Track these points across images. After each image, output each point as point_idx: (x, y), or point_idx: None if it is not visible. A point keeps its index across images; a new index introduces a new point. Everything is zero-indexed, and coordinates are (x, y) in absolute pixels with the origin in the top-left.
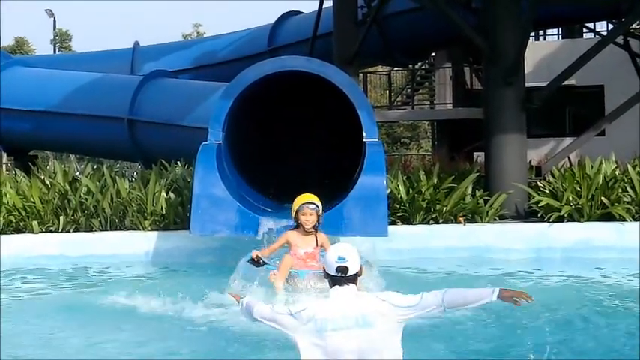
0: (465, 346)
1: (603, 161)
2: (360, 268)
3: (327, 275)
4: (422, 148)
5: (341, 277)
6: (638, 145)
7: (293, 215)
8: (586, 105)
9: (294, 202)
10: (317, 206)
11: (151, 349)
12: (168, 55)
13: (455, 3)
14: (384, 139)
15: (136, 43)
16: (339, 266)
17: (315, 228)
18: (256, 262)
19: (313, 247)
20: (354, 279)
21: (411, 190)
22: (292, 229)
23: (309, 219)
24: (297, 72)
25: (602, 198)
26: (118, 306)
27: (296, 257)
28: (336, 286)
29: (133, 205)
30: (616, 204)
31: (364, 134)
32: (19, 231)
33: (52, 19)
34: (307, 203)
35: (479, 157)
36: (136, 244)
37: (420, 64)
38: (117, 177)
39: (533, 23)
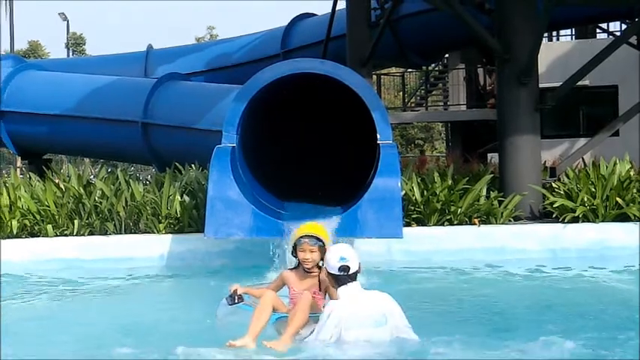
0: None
1: (618, 161)
2: (359, 266)
3: (330, 275)
4: (436, 149)
5: (345, 275)
6: None
7: (290, 250)
8: (600, 105)
9: (293, 233)
10: (320, 240)
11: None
12: (182, 57)
13: (468, 4)
14: (398, 141)
15: (150, 46)
16: (341, 266)
17: (320, 266)
18: (232, 298)
19: (312, 292)
20: (355, 276)
21: (425, 192)
22: (292, 268)
23: (308, 257)
24: (311, 74)
25: (617, 198)
26: (137, 309)
27: (293, 303)
28: (343, 287)
29: (148, 208)
30: (631, 204)
31: (378, 136)
32: (33, 235)
33: (66, 22)
34: (307, 237)
35: (493, 157)
36: (151, 248)
37: (433, 65)
38: (131, 180)
39: (547, 24)
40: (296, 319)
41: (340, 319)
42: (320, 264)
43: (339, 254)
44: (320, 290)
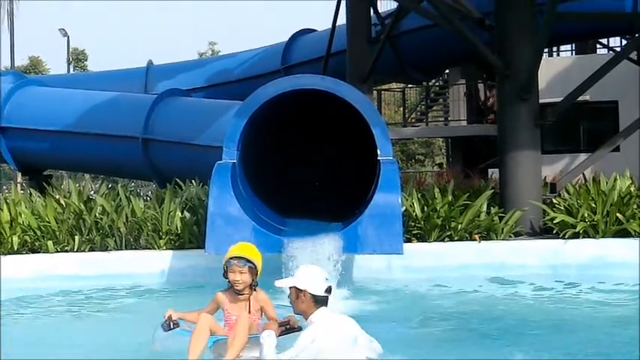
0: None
1: (618, 177)
2: None
3: (312, 297)
4: (436, 164)
5: (327, 297)
6: None
7: (223, 272)
8: (600, 121)
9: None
10: (249, 262)
11: None
12: (182, 73)
13: (468, 20)
14: (398, 156)
15: (150, 62)
16: (328, 287)
17: (253, 287)
18: (167, 324)
19: (251, 313)
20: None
21: (425, 208)
22: (224, 290)
23: (238, 278)
24: (312, 90)
25: (618, 214)
26: (138, 326)
27: (229, 325)
28: (322, 308)
29: (148, 224)
30: (631, 220)
31: (378, 152)
32: (34, 251)
33: (66, 38)
34: (236, 258)
35: (493, 173)
36: (152, 264)
37: (433, 81)
38: (132, 196)
39: (547, 40)
40: (237, 342)
41: (321, 342)
42: (253, 285)
43: (322, 275)
44: (250, 312)
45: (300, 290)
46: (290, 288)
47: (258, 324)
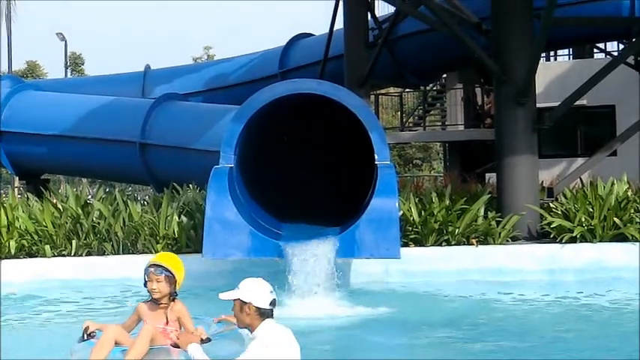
0: None
1: (615, 182)
2: None
3: (256, 309)
4: (434, 169)
5: (271, 310)
6: None
7: (144, 281)
8: (597, 125)
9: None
10: (166, 270)
11: None
12: (180, 78)
13: (466, 25)
14: (395, 160)
15: (147, 67)
16: (273, 299)
17: (172, 298)
18: (83, 335)
19: (163, 324)
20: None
21: (423, 212)
22: (146, 300)
23: (155, 287)
24: (309, 94)
25: (615, 218)
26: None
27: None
28: (268, 320)
29: (145, 228)
30: (628, 224)
31: (376, 156)
32: (31, 255)
33: (64, 42)
34: (153, 266)
35: (491, 178)
36: None
37: (431, 85)
38: (129, 200)
39: (544, 45)
40: (133, 351)
41: (275, 350)
42: (172, 295)
43: (268, 288)
44: (167, 322)
45: (245, 303)
46: (234, 300)
47: (174, 335)
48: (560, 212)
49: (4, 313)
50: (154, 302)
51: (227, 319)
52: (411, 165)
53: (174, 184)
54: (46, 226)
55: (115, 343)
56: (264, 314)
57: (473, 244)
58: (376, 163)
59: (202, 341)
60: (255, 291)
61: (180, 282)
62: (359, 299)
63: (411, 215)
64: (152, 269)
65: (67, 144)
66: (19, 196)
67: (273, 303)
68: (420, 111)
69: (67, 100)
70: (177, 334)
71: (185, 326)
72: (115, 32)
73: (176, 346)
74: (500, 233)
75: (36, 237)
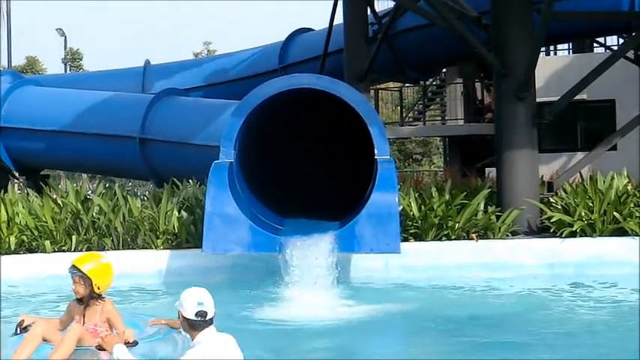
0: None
1: (615, 176)
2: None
3: (185, 319)
4: (434, 164)
5: (201, 321)
6: None
7: None
8: (597, 119)
9: None
10: (79, 272)
11: None
12: (180, 73)
13: (466, 19)
14: (395, 155)
15: (147, 62)
16: (199, 311)
17: (98, 297)
18: (16, 328)
19: (94, 324)
20: (212, 321)
21: (423, 207)
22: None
23: (73, 287)
24: (309, 89)
25: (615, 213)
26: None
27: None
28: (205, 330)
29: (145, 223)
30: (628, 219)
31: (375, 151)
32: (31, 251)
33: (63, 38)
34: (71, 266)
35: (491, 172)
36: (149, 263)
37: (431, 80)
38: (129, 196)
39: (544, 39)
40: (58, 351)
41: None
42: (94, 295)
43: (196, 299)
44: (97, 323)
45: (179, 312)
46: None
47: (103, 335)
48: (560, 207)
49: (4, 308)
50: (82, 302)
51: (162, 322)
52: (410, 160)
53: (174, 179)
54: (46, 222)
55: (44, 340)
56: (194, 325)
57: (473, 239)
58: (376, 157)
59: (129, 344)
60: (182, 301)
61: (104, 285)
62: (358, 294)
63: (410, 210)
64: (70, 269)
65: (66, 139)
66: (18, 191)
67: (199, 314)
68: (420, 106)
69: (67, 95)
70: (105, 334)
71: (115, 327)
72: (114, 27)
73: (101, 347)
74: (500, 228)
75: (36, 232)
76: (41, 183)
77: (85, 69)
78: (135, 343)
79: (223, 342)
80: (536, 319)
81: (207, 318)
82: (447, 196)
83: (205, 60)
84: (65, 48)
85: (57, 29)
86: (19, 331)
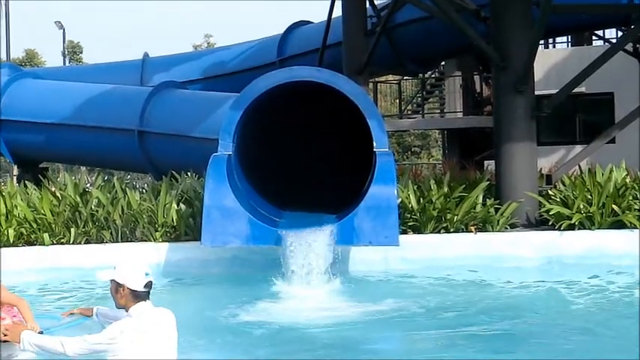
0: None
1: (614, 169)
2: None
3: (130, 291)
4: (432, 156)
5: (147, 292)
6: None
7: None
8: (596, 112)
9: None
10: None
11: None
12: (178, 65)
13: (464, 12)
14: (394, 148)
15: (146, 54)
16: (148, 282)
17: None
18: None
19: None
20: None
21: (421, 200)
22: None
23: None
24: (307, 82)
25: (613, 205)
26: None
27: None
28: (142, 302)
29: (144, 216)
30: (627, 211)
31: (374, 144)
32: (30, 243)
33: (62, 30)
34: None
35: (489, 165)
36: (147, 256)
37: (429, 72)
38: (127, 188)
39: (543, 32)
40: None
41: (131, 336)
42: None
43: (143, 270)
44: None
45: (120, 285)
46: (110, 281)
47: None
48: (558, 199)
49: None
50: None
51: (75, 312)
52: (409, 152)
53: (173, 172)
54: (45, 215)
55: None
56: (139, 297)
57: (471, 232)
58: (375, 150)
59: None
60: (129, 272)
61: None
62: (357, 286)
63: (409, 203)
64: None
65: (65, 132)
66: (17, 184)
67: (148, 285)
68: (419, 98)
69: (66, 88)
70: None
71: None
72: (113, 20)
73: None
74: (498, 220)
75: (34, 225)
76: (40, 176)
77: (84, 62)
78: (40, 333)
79: (162, 317)
80: (534, 312)
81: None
82: (446, 189)
83: (204, 53)
84: (64, 41)
85: (55, 22)
86: None
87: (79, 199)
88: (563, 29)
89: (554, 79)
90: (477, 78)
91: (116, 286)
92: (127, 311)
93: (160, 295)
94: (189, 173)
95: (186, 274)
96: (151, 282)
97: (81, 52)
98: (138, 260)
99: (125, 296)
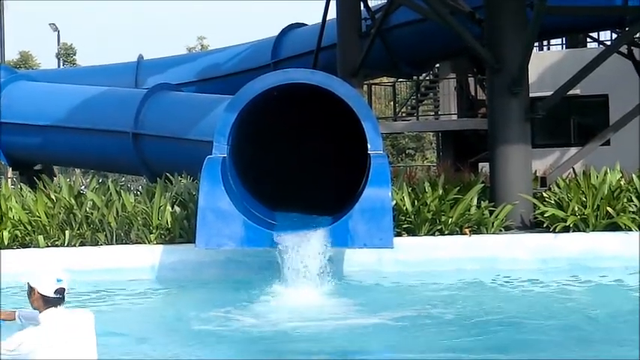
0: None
1: (608, 171)
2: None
3: (41, 297)
4: (427, 158)
5: (58, 298)
6: None
7: None
8: (591, 114)
9: None
10: None
11: None
12: (173, 68)
13: (459, 14)
14: (388, 150)
15: (140, 57)
16: (58, 288)
17: None
18: None
19: None
20: (64, 299)
21: (416, 202)
22: None
23: None
24: (302, 84)
25: (608, 208)
26: (125, 319)
27: None
28: (52, 308)
29: (139, 218)
30: (621, 214)
31: (369, 146)
32: (24, 245)
33: (56, 33)
34: None
35: (484, 167)
36: (142, 258)
37: (424, 75)
38: (122, 191)
39: (537, 34)
40: None
41: (37, 344)
42: None
43: (55, 275)
44: None
45: (32, 288)
46: (27, 284)
47: None
48: (553, 202)
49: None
50: None
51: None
52: (404, 155)
53: (168, 174)
54: (40, 217)
55: None
56: (49, 302)
57: (466, 234)
58: (369, 152)
59: None
60: (40, 278)
61: None
62: (351, 289)
63: (404, 205)
64: None
65: (60, 134)
66: (12, 186)
67: (59, 292)
68: (413, 101)
69: (60, 90)
70: None
71: None
72: (108, 22)
73: None
74: (493, 223)
75: (29, 227)
76: (34, 178)
77: (78, 64)
78: None
79: (74, 321)
80: (529, 315)
81: (64, 295)
82: (440, 191)
83: (198, 55)
84: (59, 43)
85: (50, 24)
86: None
87: (73, 201)
88: (557, 31)
89: (549, 81)
90: (471, 80)
91: (29, 290)
92: (39, 313)
93: (154, 298)
94: (183, 175)
95: (180, 277)
96: (63, 288)
97: (74, 54)
98: (56, 267)
99: (37, 300)
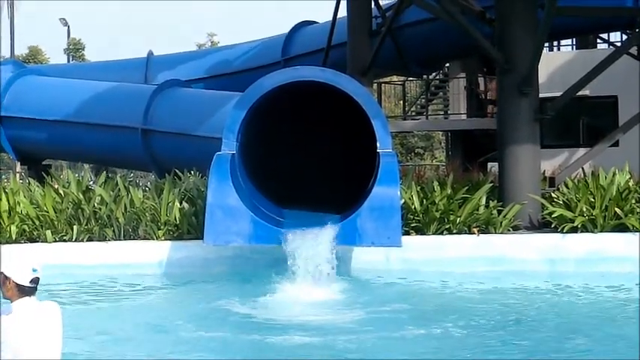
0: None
1: (617, 172)
2: None
3: (16, 285)
4: (436, 158)
5: (34, 287)
6: None
7: None
8: (600, 115)
9: None
10: None
11: None
12: (182, 64)
13: (469, 14)
14: (398, 149)
15: (150, 53)
16: (34, 278)
17: None
18: None
19: None
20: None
21: (424, 201)
22: None
23: None
24: (312, 82)
25: (616, 209)
26: (133, 315)
27: None
28: (26, 298)
29: (147, 214)
30: (630, 215)
31: (378, 144)
32: (32, 240)
33: (66, 28)
34: None
35: (493, 167)
36: (150, 254)
37: (434, 74)
38: (130, 186)
39: (547, 34)
40: None
41: (13, 334)
42: None
43: (31, 265)
44: None
45: (7, 277)
46: (1, 273)
47: None
48: (561, 202)
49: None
50: None
51: None
52: (413, 154)
53: (176, 170)
54: (48, 212)
55: None
56: (24, 291)
57: (474, 233)
58: (378, 151)
59: None
60: (15, 266)
61: None
62: (359, 287)
63: (412, 204)
64: None
65: (69, 129)
66: (20, 181)
67: (34, 281)
68: (423, 100)
69: (70, 85)
70: None
71: None
72: (117, 18)
73: None
74: (501, 222)
75: (37, 222)
76: (43, 173)
77: (87, 59)
78: None
79: (45, 311)
80: (536, 315)
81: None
82: (449, 191)
83: (208, 51)
84: (68, 38)
85: (60, 19)
86: None
87: (82, 196)
88: (567, 32)
89: (559, 81)
90: (481, 80)
91: (4, 279)
92: (11, 302)
93: (161, 293)
94: (192, 172)
95: (188, 273)
96: (38, 278)
97: (84, 50)
98: (32, 255)
99: (11, 289)
